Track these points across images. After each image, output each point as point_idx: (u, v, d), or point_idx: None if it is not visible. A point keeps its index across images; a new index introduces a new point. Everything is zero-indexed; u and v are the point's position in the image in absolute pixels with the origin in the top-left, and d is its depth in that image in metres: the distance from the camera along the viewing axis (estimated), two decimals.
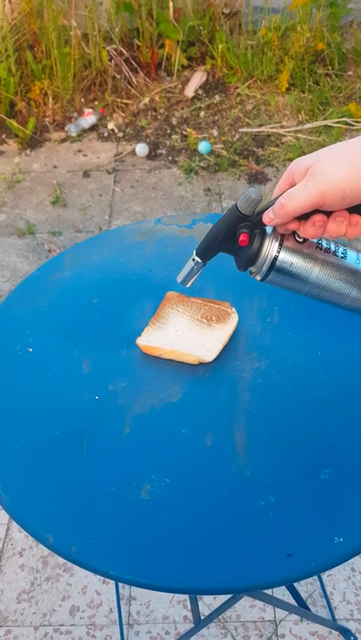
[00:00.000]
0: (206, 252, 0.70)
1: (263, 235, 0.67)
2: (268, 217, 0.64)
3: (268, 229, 0.67)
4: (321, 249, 0.67)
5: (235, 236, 0.67)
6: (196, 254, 0.71)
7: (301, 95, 3.02)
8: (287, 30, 3.11)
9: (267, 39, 3.05)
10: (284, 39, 3.11)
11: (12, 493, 0.77)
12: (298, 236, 0.66)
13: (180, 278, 0.74)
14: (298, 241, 0.66)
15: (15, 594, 1.41)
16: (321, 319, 0.97)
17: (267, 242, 0.66)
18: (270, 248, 0.66)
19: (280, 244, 0.66)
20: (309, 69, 3.06)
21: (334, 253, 0.67)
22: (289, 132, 2.86)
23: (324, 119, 2.88)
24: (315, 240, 0.67)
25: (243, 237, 0.66)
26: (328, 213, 0.62)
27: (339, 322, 0.97)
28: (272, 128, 2.89)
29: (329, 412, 0.84)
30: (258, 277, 0.69)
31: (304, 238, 0.66)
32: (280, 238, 0.66)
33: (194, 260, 0.71)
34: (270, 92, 3.07)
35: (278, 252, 0.66)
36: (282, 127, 2.89)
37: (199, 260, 0.71)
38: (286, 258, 0.66)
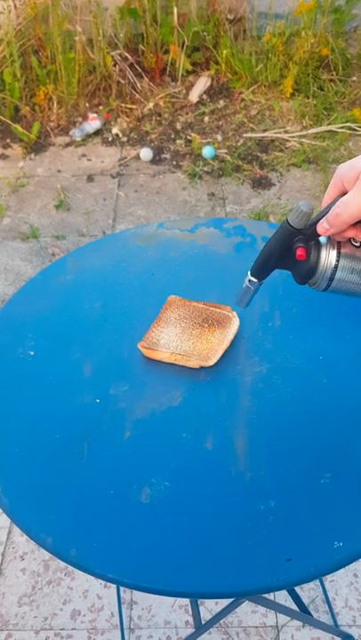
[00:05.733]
0: (262, 270, 0.69)
1: (319, 245, 0.65)
2: (323, 227, 0.63)
3: (323, 239, 0.65)
4: None
5: (290, 251, 0.65)
6: (251, 274, 0.69)
7: (306, 100, 3.02)
8: (291, 36, 3.12)
9: (271, 45, 3.06)
10: (289, 45, 3.12)
11: (11, 496, 0.77)
12: (355, 240, 0.65)
13: (237, 301, 0.72)
14: (355, 245, 0.65)
15: (16, 597, 1.41)
16: (322, 324, 0.97)
17: (324, 252, 0.65)
18: (329, 258, 0.65)
19: (338, 252, 0.65)
20: (314, 75, 3.07)
21: None
22: (293, 137, 2.86)
23: (329, 124, 2.89)
24: None
25: (300, 252, 0.64)
26: None
27: (340, 326, 0.97)
28: (276, 133, 2.89)
29: (330, 416, 0.84)
30: (320, 289, 0.67)
31: None
32: (337, 246, 0.65)
33: (249, 280, 0.69)
34: (274, 97, 3.08)
35: (338, 260, 0.65)
36: (286, 132, 2.89)
37: (255, 280, 0.69)
38: (347, 264, 0.65)
